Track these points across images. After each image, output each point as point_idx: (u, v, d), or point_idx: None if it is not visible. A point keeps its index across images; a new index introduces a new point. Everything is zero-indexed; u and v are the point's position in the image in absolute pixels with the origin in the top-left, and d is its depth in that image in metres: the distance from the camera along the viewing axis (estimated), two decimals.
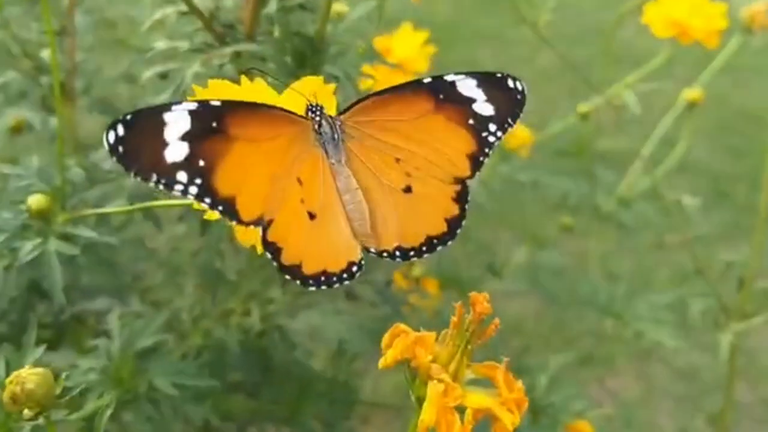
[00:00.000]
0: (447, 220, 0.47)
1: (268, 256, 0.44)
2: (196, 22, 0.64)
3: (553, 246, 1.33)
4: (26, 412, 0.45)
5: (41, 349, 0.53)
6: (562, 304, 1.21)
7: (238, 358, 0.78)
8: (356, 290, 0.78)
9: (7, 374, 0.48)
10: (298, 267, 0.45)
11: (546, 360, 0.91)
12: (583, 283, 1.13)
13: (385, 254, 0.47)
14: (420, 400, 0.39)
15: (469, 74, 0.48)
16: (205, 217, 0.45)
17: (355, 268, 0.46)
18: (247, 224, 0.44)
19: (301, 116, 0.47)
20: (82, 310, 0.81)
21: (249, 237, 0.45)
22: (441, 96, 0.48)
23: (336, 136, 0.47)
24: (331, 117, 0.47)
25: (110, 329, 0.66)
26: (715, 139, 2.25)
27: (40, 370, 0.45)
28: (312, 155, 0.46)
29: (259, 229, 0.44)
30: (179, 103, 0.43)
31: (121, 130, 0.41)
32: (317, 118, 0.47)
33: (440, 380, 0.38)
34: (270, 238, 0.44)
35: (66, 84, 0.89)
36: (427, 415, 0.37)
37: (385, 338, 0.40)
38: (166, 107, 0.42)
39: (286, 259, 0.45)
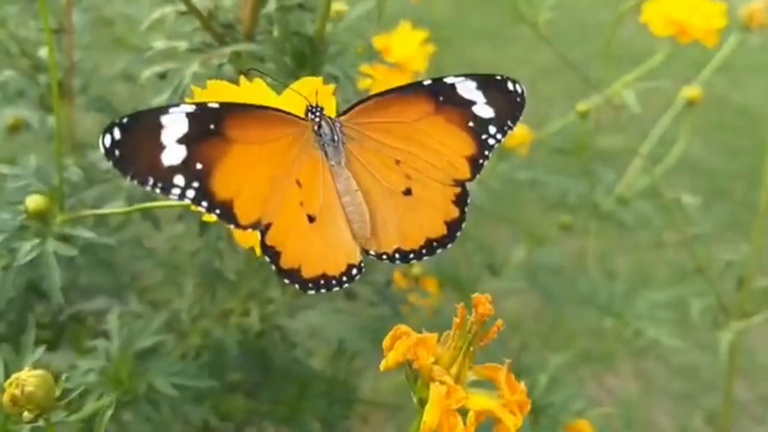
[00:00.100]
0: (447, 223, 0.47)
1: (267, 259, 0.44)
2: (195, 22, 0.64)
3: (552, 244, 1.33)
4: (26, 414, 0.45)
5: (40, 349, 0.52)
6: (561, 302, 1.21)
7: (238, 358, 0.77)
8: (355, 290, 0.78)
9: (7, 375, 0.48)
10: (297, 271, 0.45)
11: (545, 359, 0.91)
12: (582, 282, 1.12)
13: (384, 256, 0.47)
14: (422, 402, 0.39)
15: (469, 76, 0.48)
16: (204, 217, 0.45)
17: (354, 271, 0.46)
18: (245, 228, 0.43)
19: (300, 118, 0.47)
20: (81, 310, 0.81)
21: (248, 238, 0.44)
22: (441, 98, 0.47)
23: (336, 137, 0.46)
24: (330, 118, 0.47)
25: (109, 329, 0.65)
26: (714, 137, 2.25)
27: (39, 372, 0.45)
28: (311, 157, 0.46)
29: (258, 233, 0.44)
30: (177, 105, 0.42)
31: (117, 133, 0.41)
32: (317, 120, 0.46)
33: (442, 382, 0.38)
34: (269, 241, 0.44)
35: (64, 83, 0.89)
36: (430, 417, 0.37)
37: (387, 340, 0.40)
38: (164, 110, 0.42)
39: (285, 262, 0.44)
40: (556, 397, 0.84)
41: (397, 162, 0.47)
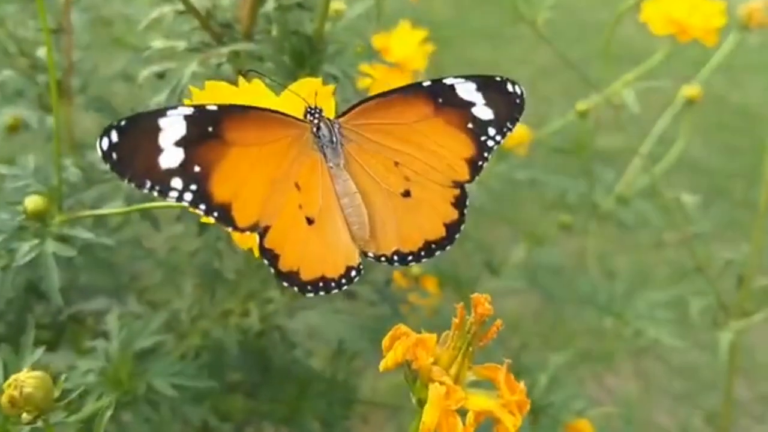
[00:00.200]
0: (446, 225, 0.47)
1: (266, 262, 0.44)
2: (194, 21, 0.64)
3: (551, 244, 1.33)
4: (25, 415, 0.45)
5: (40, 350, 0.52)
6: (560, 302, 1.21)
7: (237, 359, 0.77)
8: (355, 290, 0.78)
9: (6, 376, 0.48)
10: (296, 273, 0.44)
11: (545, 359, 0.91)
12: (582, 282, 1.12)
13: (383, 259, 0.47)
14: (421, 403, 0.39)
15: (469, 78, 0.48)
16: (203, 218, 0.45)
17: (353, 273, 0.45)
18: (243, 231, 0.43)
19: (299, 119, 0.46)
20: (80, 310, 0.80)
21: (246, 240, 0.44)
22: (440, 100, 0.47)
23: (334, 139, 0.46)
24: (329, 120, 0.47)
25: (109, 330, 0.65)
26: (714, 136, 2.25)
27: (38, 373, 0.45)
28: (310, 159, 0.46)
29: (256, 236, 0.44)
30: (174, 107, 0.42)
31: (114, 136, 0.40)
32: (315, 121, 0.46)
33: (442, 383, 0.38)
34: (267, 244, 0.44)
35: (63, 83, 0.89)
36: (429, 417, 0.37)
37: (386, 340, 0.40)
38: (161, 113, 0.42)
39: (284, 265, 0.44)
40: (556, 397, 0.84)
41: (396, 164, 0.47)
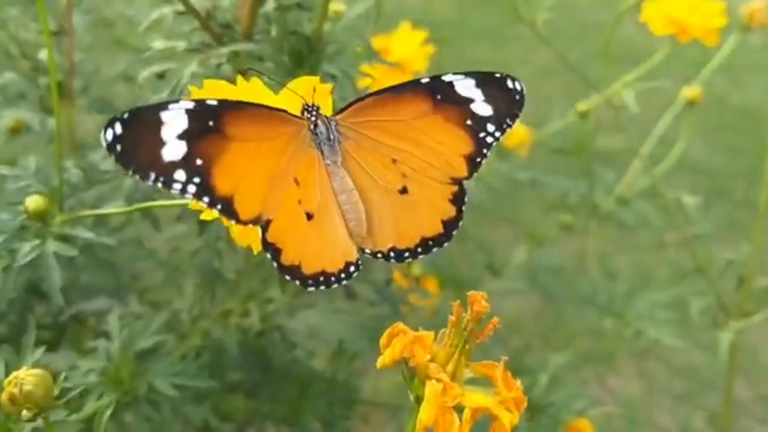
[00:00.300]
0: (443, 222, 0.47)
1: (268, 256, 0.44)
2: (194, 22, 0.64)
3: (552, 245, 1.33)
4: (25, 413, 0.45)
5: (40, 350, 0.53)
6: (561, 303, 1.21)
7: (238, 358, 0.78)
8: (355, 289, 0.78)
9: (7, 376, 0.48)
10: (298, 267, 0.45)
11: (546, 359, 0.91)
12: (582, 282, 1.13)
13: (379, 255, 0.47)
14: (419, 400, 0.39)
15: (468, 74, 0.48)
16: (202, 216, 0.45)
17: (352, 268, 0.46)
18: (246, 223, 0.43)
19: (297, 116, 0.47)
20: (81, 310, 0.81)
21: (245, 237, 0.44)
22: (439, 96, 0.47)
23: (332, 136, 0.46)
24: (326, 117, 0.47)
25: (110, 330, 0.66)
26: (715, 137, 2.25)
27: (38, 371, 0.46)
28: (308, 155, 0.46)
29: (258, 229, 0.44)
30: (177, 101, 0.42)
31: (118, 128, 0.41)
32: (313, 119, 0.46)
33: (438, 379, 0.38)
34: (269, 238, 0.44)
35: (64, 84, 0.89)
36: (426, 414, 0.37)
37: (383, 338, 0.40)
38: (164, 106, 0.42)
39: (286, 259, 0.44)
40: (557, 397, 0.84)
41: (394, 161, 0.47)
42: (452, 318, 0.40)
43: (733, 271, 0.97)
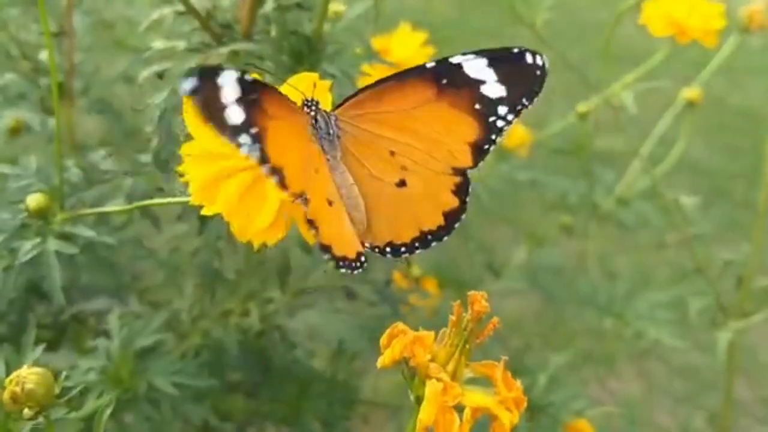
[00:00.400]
0: (445, 213, 0.46)
1: (311, 232, 0.43)
2: (194, 22, 0.64)
3: (552, 245, 1.33)
4: (26, 411, 0.46)
5: (41, 349, 0.53)
6: (561, 303, 1.21)
7: (237, 358, 0.77)
8: (355, 289, 0.78)
9: (7, 375, 0.48)
10: (330, 248, 0.44)
11: (546, 359, 0.91)
12: (582, 283, 1.13)
13: (376, 250, 0.46)
14: (419, 400, 0.39)
15: (479, 53, 0.45)
16: (202, 212, 0.45)
17: (363, 258, 0.45)
18: (294, 197, 0.43)
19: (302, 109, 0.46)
20: (82, 310, 0.81)
21: (245, 232, 0.44)
22: (444, 81, 0.45)
23: (331, 131, 0.46)
24: (326, 112, 0.46)
25: (110, 329, 0.66)
26: (714, 137, 2.25)
27: (39, 369, 0.46)
28: (315, 149, 0.46)
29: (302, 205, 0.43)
30: (230, 68, 0.41)
31: (193, 82, 0.40)
32: (312, 113, 0.46)
33: (439, 379, 0.38)
34: (309, 215, 0.43)
35: (64, 85, 0.89)
36: (426, 414, 0.37)
37: (384, 338, 0.40)
38: (215, 70, 0.41)
39: (323, 238, 0.43)
40: (557, 397, 0.84)
41: (393, 153, 0.46)
42: (452, 318, 0.40)
43: (732, 271, 0.97)
